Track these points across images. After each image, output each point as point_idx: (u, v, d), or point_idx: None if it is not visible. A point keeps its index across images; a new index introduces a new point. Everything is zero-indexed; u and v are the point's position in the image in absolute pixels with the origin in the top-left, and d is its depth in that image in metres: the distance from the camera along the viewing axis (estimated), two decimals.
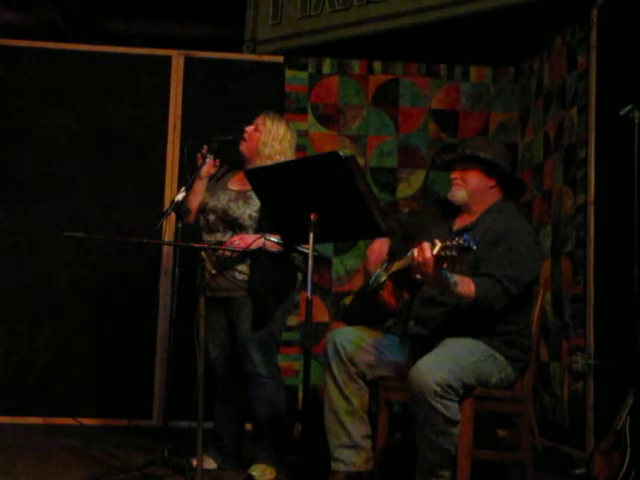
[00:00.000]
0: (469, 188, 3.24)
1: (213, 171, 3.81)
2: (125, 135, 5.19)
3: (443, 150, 5.24)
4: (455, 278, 2.94)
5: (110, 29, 5.84)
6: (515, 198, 3.37)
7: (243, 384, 3.75)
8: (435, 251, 2.76)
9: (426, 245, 2.80)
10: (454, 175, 3.26)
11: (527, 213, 5.08)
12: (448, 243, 2.73)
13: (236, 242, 3.59)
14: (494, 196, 3.29)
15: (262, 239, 3.55)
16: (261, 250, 3.58)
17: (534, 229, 4.87)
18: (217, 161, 3.80)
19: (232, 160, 3.92)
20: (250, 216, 3.65)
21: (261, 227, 3.62)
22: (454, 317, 3.16)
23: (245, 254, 3.60)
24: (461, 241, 2.68)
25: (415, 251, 2.84)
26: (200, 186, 3.80)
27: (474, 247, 2.67)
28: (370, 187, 2.83)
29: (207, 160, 3.74)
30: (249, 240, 3.58)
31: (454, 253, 2.70)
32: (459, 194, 3.25)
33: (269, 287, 3.66)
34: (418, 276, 2.94)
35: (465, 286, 2.97)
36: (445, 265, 2.78)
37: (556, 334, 4.61)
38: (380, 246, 3.43)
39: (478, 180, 3.25)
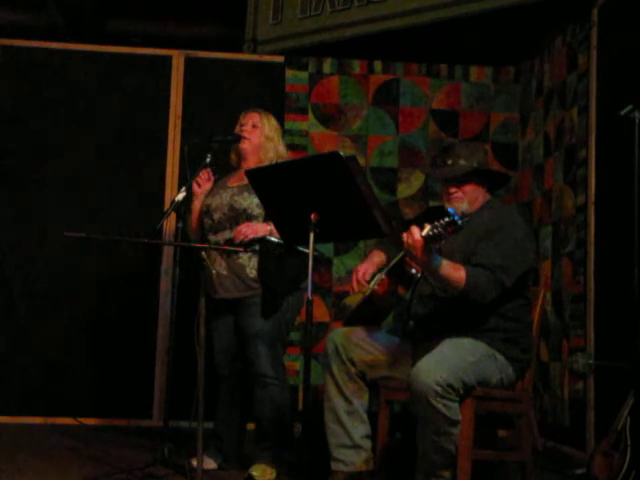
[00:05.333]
0: (469, 199, 3.28)
1: (209, 186, 3.83)
2: (125, 135, 5.19)
3: (433, 163, 5.24)
4: (444, 261, 3.00)
5: (110, 29, 5.84)
6: (499, 187, 3.48)
7: (247, 384, 3.75)
8: (424, 232, 2.87)
9: (415, 228, 2.91)
10: (452, 190, 3.29)
11: (528, 213, 5.09)
12: (435, 223, 2.83)
13: (244, 231, 3.59)
14: (484, 196, 3.34)
15: (269, 227, 3.56)
16: (267, 239, 3.57)
17: (531, 227, 4.89)
18: (211, 174, 3.81)
19: (227, 164, 3.93)
20: (258, 205, 3.65)
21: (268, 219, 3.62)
22: (453, 314, 3.17)
23: (252, 245, 3.60)
24: (447, 218, 2.78)
25: (405, 235, 2.92)
26: (197, 201, 3.83)
27: (459, 222, 2.77)
28: (371, 187, 2.84)
29: (200, 173, 3.76)
30: (255, 227, 3.59)
31: (441, 230, 2.81)
32: (462, 206, 3.27)
33: (278, 277, 3.65)
34: (413, 270, 3.02)
35: (455, 270, 3.02)
36: (435, 246, 2.89)
37: (556, 334, 4.62)
38: (365, 267, 3.42)
39: (474, 190, 3.31)
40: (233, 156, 3.91)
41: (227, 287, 3.71)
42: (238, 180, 3.77)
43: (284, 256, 3.61)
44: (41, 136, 5.13)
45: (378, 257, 3.45)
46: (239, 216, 3.68)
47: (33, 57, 5.17)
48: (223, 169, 3.94)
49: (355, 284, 3.34)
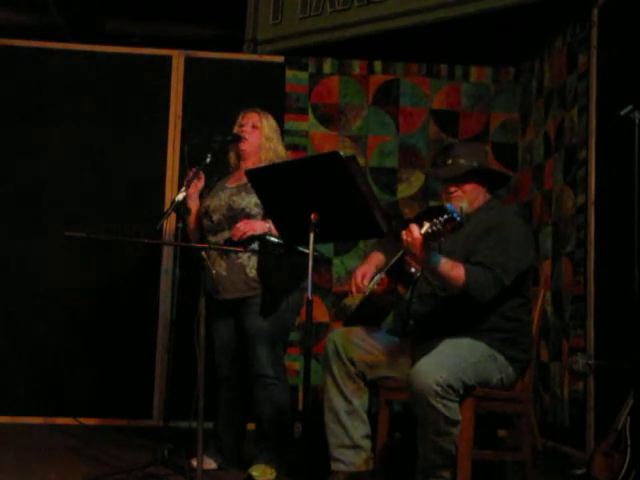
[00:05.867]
0: (469, 198, 3.29)
1: (200, 186, 3.83)
2: (125, 135, 5.19)
3: (433, 163, 5.24)
4: (443, 259, 3.00)
5: (110, 29, 5.85)
6: (500, 187, 3.49)
7: (248, 384, 3.75)
8: (423, 230, 2.87)
9: (414, 226, 2.90)
10: (452, 189, 3.29)
11: (528, 213, 5.08)
12: (434, 220, 2.83)
13: (242, 228, 3.59)
14: (484, 196, 3.34)
15: (267, 224, 3.56)
16: (266, 238, 3.58)
17: (531, 227, 4.89)
18: (202, 176, 3.81)
19: (225, 165, 3.93)
20: (256, 204, 3.65)
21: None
22: (453, 313, 3.17)
23: (251, 243, 3.59)
24: (446, 215, 2.77)
25: (404, 233, 2.93)
26: (191, 201, 3.84)
27: (458, 218, 2.76)
28: (371, 187, 2.84)
29: (194, 180, 3.76)
30: (254, 224, 3.59)
31: (440, 227, 2.80)
32: (462, 205, 3.27)
33: (277, 276, 3.65)
34: (412, 269, 3.04)
35: (454, 268, 3.02)
36: (435, 244, 2.90)
37: (556, 334, 4.61)
38: (365, 269, 3.42)
39: (474, 189, 3.31)
40: (232, 156, 3.91)
41: (227, 288, 3.71)
42: (236, 180, 3.78)
43: (284, 256, 3.61)
44: (41, 136, 5.13)
45: (377, 259, 3.45)
46: (237, 216, 3.68)
47: (33, 57, 5.17)
48: (223, 169, 3.95)
49: (354, 288, 3.35)
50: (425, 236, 2.87)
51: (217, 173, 3.92)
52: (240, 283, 3.68)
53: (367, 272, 3.37)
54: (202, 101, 5.24)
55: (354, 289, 3.35)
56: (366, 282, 3.33)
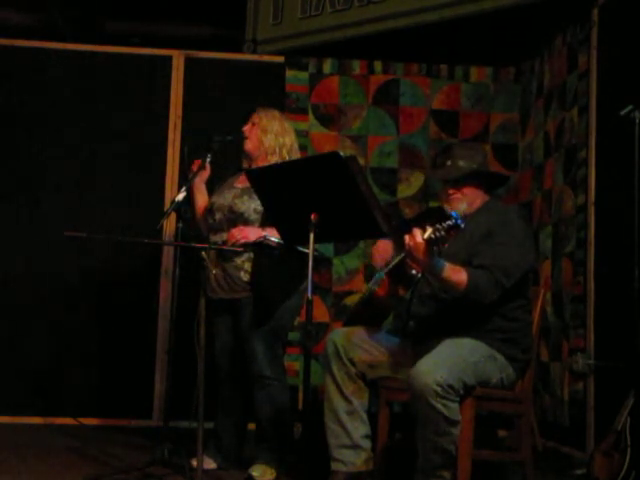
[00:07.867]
0: (468, 200, 3.29)
1: (206, 176, 3.84)
2: (125, 135, 5.19)
3: (433, 164, 5.23)
4: (446, 264, 2.99)
5: (110, 29, 5.85)
6: (498, 187, 3.51)
7: (247, 385, 3.75)
8: (426, 235, 2.86)
9: (417, 230, 2.90)
10: (450, 191, 3.29)
11: (527, 213, 5.08)
12: (437, 226, 2.83)
13: (236, 234, 3.59)
14: (483, 197, 3.34)
15: (263, 233, 3.56)
16: (263, 244, 3.57)
17: (531, 227, 4.88)
18: (207, 167, 3.82)
19: (238, 161, 3.93)
20: (255, 210, 3.65)
21: (267, 221, 3.61)
22: (453, 314, 3.17)
23: (247, 249, 3.60)
24: (450, 221, 2.79)
25: (407, 237, 2.93)
26: (198, 192, 3.87)
27: (462, 225, 2.78)
28: (371, 187, 2.84)
29: (200, 171, 3.78)
30: (248, 232, 3.58)
31: (443, 233, 2.81)
32: (461, 207, 3.27)
33: (272, 283, 3.64)
34: (413, 271, 3.05)
35: (456, 273, 3.02)
36: (436, 248, 2.89)
37: (556, 334, 4.62)
38: (385, 244, 3.45)
39: (473, 191, 3.30)
40: (244, 160, 3.90)
41: (224, 287, 3.71)
42: (244, 181, 3.75)
43: (280, 262, 3.60)
44: (41, 136, 5.13)
45: (387, 241, 3.47)
46: (237, 219, 3.68)
47: (33, 57, 5.17)
48: (223, 169, 3.95)
49: (378, 258, 3.40)
50: (428, 241, 2.87)
51: (231, 168, 3.92)
52: (234, 284, 3.68)
53: (387, 246, 3.41)
54: (202, 101, 5.24)
55: (378, 258, 3.40)
56: (388, 254, 3.37)
